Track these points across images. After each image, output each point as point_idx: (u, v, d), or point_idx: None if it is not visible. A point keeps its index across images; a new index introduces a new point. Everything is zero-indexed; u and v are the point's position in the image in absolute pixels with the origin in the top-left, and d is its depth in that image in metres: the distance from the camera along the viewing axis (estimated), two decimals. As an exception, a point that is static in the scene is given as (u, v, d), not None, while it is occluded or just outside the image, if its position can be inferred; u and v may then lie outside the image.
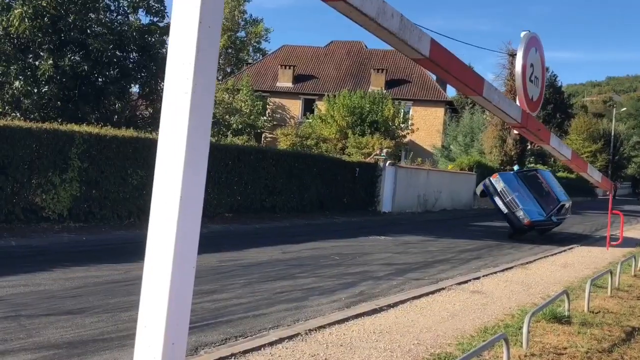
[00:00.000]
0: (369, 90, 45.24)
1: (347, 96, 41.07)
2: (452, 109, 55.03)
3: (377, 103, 41.07)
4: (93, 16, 21.58)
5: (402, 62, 51.77)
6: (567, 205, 22.73)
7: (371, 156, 31.94)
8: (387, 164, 29.57)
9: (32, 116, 19.46)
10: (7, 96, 20.44)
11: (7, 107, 20.45)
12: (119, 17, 22.87)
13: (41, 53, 20.46)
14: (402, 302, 9.88)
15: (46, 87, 20.28)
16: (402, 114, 46.14)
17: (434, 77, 51.52)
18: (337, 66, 52.86)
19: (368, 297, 10.15)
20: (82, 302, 8.31)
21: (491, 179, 22.44)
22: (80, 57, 20.60)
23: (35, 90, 20.37)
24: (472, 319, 9.00)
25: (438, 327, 8.38)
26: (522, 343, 7.40)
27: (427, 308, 9.58)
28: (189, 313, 2.26)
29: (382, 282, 11.71)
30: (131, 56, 22.79)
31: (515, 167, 25.20)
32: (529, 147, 49.04)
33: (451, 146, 48.43)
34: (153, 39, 22.81)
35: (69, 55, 20.38)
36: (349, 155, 33.73)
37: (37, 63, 20.32)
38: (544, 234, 23.02)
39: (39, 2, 19.91)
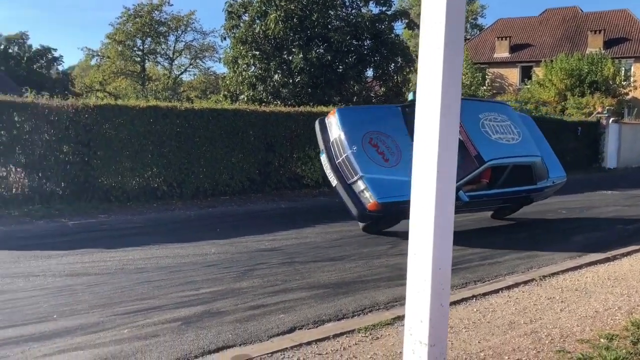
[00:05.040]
0: (587, 52, 41.30)
1: (564, 60, 37.96)
2: (678, 62, 48.07)
3: (595, 64, 37.36)
4: (332, 12, 22.42)
5: (620, 21, 46.38)
6: (510, 166, 10.45)
7: (592, 115, 29.21)
8: (610, 121, 26.89)
9: (289, 102, 20.88)
10: (269, 88, 22.13)
11: (269, 97, 22.13)
12: (353, 10, 23.47)
13: (293, 49, 21.77)
14: (636, 251, 9.01)
15: (298, 77, 21.60)
16: (622, 72, 41.45)
17: (656, 32, 45.39)
18: (553, 32, 48.91)
19: (599, 247, 9.40)
20: (341, 251, 8.80)
21: (326, 119, 10.71)
22: (324, 49, 21.64)
23: (290, 81, 21.80)
24: None
25: (678, 274, 7.51)
26: None
27: (664, 256, 8.61)
28: (452, 242, 2.28)
29: (612, 232, 10.76)
30: (365, 43, 23.27)
31: (410, 96, 11.75)
32: None
33: (679, 99, 42.44)
34: (383, 26, 23.07)
35: (315, 49, 21.48)
36: (569, 116, 31.19)
37: (290, 58, 21.70)
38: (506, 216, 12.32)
39: (289, 6, 21.18)
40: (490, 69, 48.92)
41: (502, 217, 12.11)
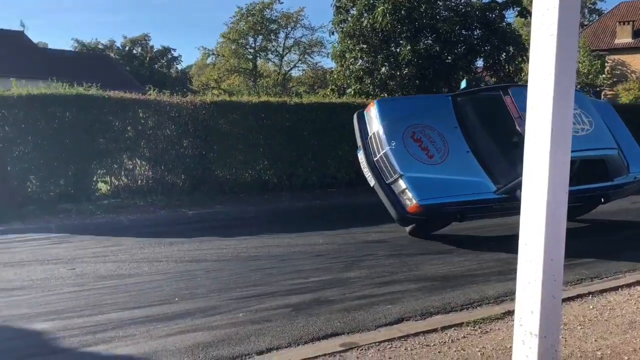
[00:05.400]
0: None
1: (697, 43, 34.87)
2: None
3: None
4: (440, 3, 21.98)
5: None
6: (579, 161, 8.59)
7: None
8: None
9: (396, 95, 20.75)
10: (376, 80, 22.09)
11: (376, 90, 22.10)
12: (463, 0, 22.89)
13: (400, 41, 21.58)
14: None
15: (406, 69, 21.36)
16: None
17: None
18: (685, 13, 45.12)
19: None
20: (449, 244, 8.68)
21: (365, 112, 9.65)
22: (432, 40, 21.26)
23: (398, 73, 21.62)
24: None
25: None
26: None
27: None
28: (565, 232, 2.22)
29: None
30: (475, 33, 22.60)
31: (463, 84, 10.43)
32: None
33: None
34: (493, 15, 22.31)
35: (423, 40, 21.18)
36: (703, 103, 28.67)
37: (397, 50, 21.54)
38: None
39: (397, -2, 21.04)
40: (611, 55, 45.89)
41: (573, 219, 9.97)
